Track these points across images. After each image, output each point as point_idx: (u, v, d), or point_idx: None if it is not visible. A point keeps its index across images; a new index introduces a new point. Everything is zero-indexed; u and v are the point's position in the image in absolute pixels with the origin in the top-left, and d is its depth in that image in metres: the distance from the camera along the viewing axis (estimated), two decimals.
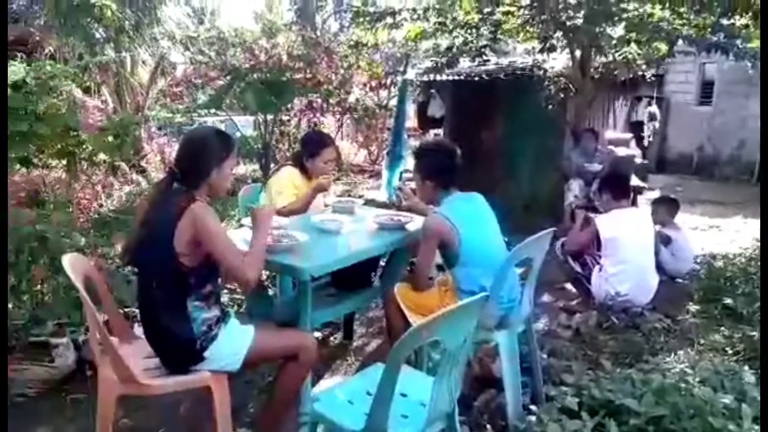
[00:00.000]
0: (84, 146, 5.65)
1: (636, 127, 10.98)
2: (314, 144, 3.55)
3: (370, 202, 8.41)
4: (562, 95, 6.63)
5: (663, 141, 12.41)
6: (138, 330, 3.18)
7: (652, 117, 9.28)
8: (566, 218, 6.28)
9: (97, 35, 9.91)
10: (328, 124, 10.53)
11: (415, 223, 2.99)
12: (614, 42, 5.78)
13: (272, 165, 7.92)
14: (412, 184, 3.12)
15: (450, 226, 2.55)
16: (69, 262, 2.16)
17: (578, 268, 4.10)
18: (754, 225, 6.89)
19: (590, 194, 6.39)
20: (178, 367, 2.19)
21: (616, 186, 4.07)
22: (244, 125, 10.26)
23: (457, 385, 1.93)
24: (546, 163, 7.47)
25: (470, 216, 2.63)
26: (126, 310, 3.39)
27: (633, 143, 9.63)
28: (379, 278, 3.28)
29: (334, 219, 2.99)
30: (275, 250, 2.45)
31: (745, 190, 9.77)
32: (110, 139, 5.78)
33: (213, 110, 8.62)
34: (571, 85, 6.91)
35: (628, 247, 3.85)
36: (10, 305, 3.20)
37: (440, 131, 9.34)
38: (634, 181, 7.64)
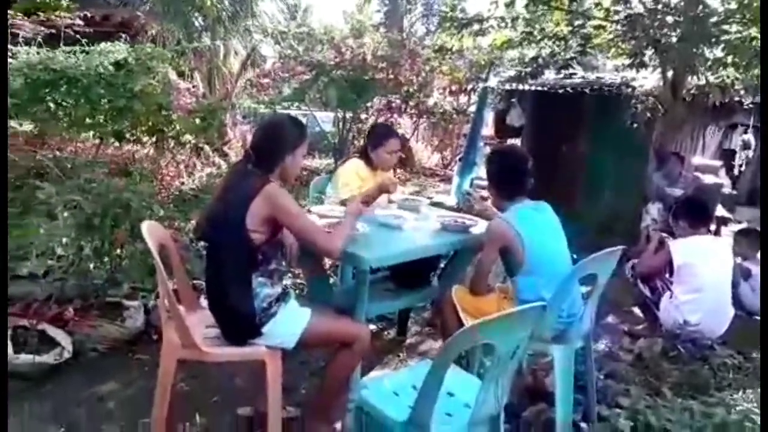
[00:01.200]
0: (173, 126, 5.95)
1: (728, 156, 10.41)
2: (378, 134, 3.61)
3: (437, 205, 8.43)
4: (649, 115, 6.37)
5: (756, 172, 11.69)
6: (203, 301, 3.36)
7: (746, 145, 8.76)
8: (642, 241, 6.04)
9: (196, 24, 10.44)
10: (405, 125, 10.60)
11: (480, 227, 2.97)
12: (710, 64, 5.50)
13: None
14: (484, 192, 3.12)
15: (514, 232, 2.52)
16: (147, 228, 2.30)
17: (647, 292, 3.94)
18: None
19: (669, 219, 6.13)
20: (237, 338, 2.28)
21: (695, 213, 3.89)
22: (324, 121, 10.50)
23: (505, 391, 1.91)
24: (627, 184, 7.23)
25: (537, 225, 2.60)
26: (194, 282, 3.55)
27: (722, 172, 9.13)
28: (437, 278, 3.28)
29: (398, 215, 3.02)
30: None
31: None
32: (197, 121, 6.06)
33: (296, 103, 8.89)
34: (660, 106, 6.64)
35: (703, 276, 3.66)
36: (90, 265, 3.42)
37: (518, 141, 9.22)
38: (720, 211, 7.27)
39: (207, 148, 8.28)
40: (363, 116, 8.80)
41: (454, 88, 9.36)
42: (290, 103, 8.86)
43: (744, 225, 7.09)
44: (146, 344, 3.27)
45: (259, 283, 2.25)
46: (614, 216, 6.93)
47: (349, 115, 7.91)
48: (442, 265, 3.42)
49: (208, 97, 9.49)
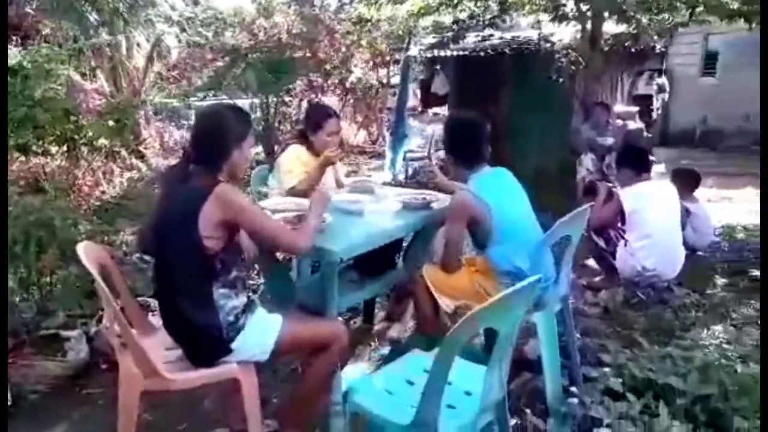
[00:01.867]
0: (84, 131, 5.48)
1: (639, 101, 10.82)
2: (316, 116, 3.42)
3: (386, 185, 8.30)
4: (573, 68, 6.44)
5: (665, 114, 12.25)
6: (154, 319, 3.08)
7: (661, 89, 9.09)
8: (578, 193, 6.15)
9: (91, 19, 9.68)
10: (330, 104, 10.33)
11: (440, 201, 2.85)
12: (633, 7, 5.54)
13: (276, 147, 7.77)
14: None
15: (480, 202, 2.41)
16: (84, 250, 2.02)
17: (602, 244, 3.97)
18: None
19: (603, 168, 6.26)
20: (204, 359, 2.06)
21: (637, 160, 3.93)
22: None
23: (506, 373, 1.81)
24: (554, 138, 7.33)
25: (501, 191, 2.50)
26: (138, 299, 3.26)
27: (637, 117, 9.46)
28: (402, 260, 3.15)
29: (355, 199, 2.84)
30: None
31: (753, 161, 9.59)
32: (111, 123, 5.61)
33: (212, 93, 8.45)
34: (580, 59, 6.73)
35: (653, 221, 3.72)
36: (16, 298, 3.06)
37: (444, 108, 9.18)
38: None
39: (123, 151, 7.76)
40: (286, 99, 8.47)
41: (376, 61, 9.15)
42: (206, 93, 8.43)
43: (663, 167, 7.35)
44: (95, 375, 2.96)
45: (221, 295, 2.03)
46: (546, 171, 6.98)
47: (271, 99, 7.57)
48: (404, 244, 3.29)
49: (116, 96, 8.87)
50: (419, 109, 10.08)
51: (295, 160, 3.32)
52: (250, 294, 2.18)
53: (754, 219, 5.69)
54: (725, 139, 11.64)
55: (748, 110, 11.36)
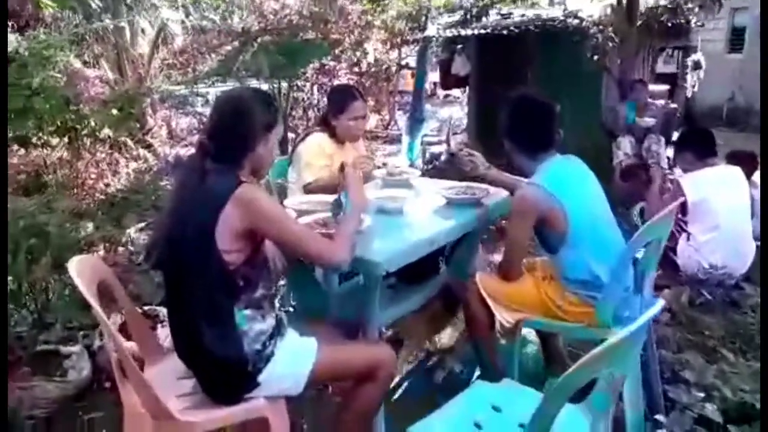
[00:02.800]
0: (86, 121, 5.11)
1: (663, 79, 10.31)
2: (338, 99, 3.03)
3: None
4: (611, 44, 5.97)
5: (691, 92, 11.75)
6: (163, 333, 2.72)
7: (696, 66, 8.57)
8: (616, 178, 5.73)
9: (93, 5, 9.29)
10: None
11: (492, 196, 2.46)
12: None
13: (291, 135, 7.38)
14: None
15: (551, 198, 2.02)
16: (77, 268, 1.64)
17: None
18: None
19: (642, 151, 5.82)
20: (225, 395, 1.70)
21: (702, 142, 3.50)
22: None
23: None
24: (586, 120, 6.87)
25: (575, 185, 2.10)
26: (146, 308, 2.90)
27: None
28: (445, 264, 2.75)
29: (394, 195, 2.46)
30: None
31: None
32: (114, 112, 5.23)
33: (221, 79, 8.05)
34: (614, 35, 6.25)
35: (721, 211, 3.31)
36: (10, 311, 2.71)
37: (465, 90, 8.74)
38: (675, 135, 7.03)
39: (128, 141, 7.39)
40: (299, 83, 8.06)
41: (394, 41, 8.70)
42: (214, 79, 8.02)
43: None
44: (97, 397, 2.61)
45: (245, 317, 1.66)
46: (579, 156, 6.53)
47: (284, 84, 7.16)
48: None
49: (120, 84, 8.50)
50: (429, 91, 9.65)
51: (316, 151, 2.94)
52: (279, 313, 1.81)
53: None
54: (754, 117, 11.12)
55: None
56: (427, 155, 8.72)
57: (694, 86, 8.38)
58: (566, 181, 2.06)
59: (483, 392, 1.68)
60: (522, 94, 2.24)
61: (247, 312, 1.66)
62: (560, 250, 2.07)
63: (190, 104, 10.25)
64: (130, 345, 2.39)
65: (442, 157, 8.67)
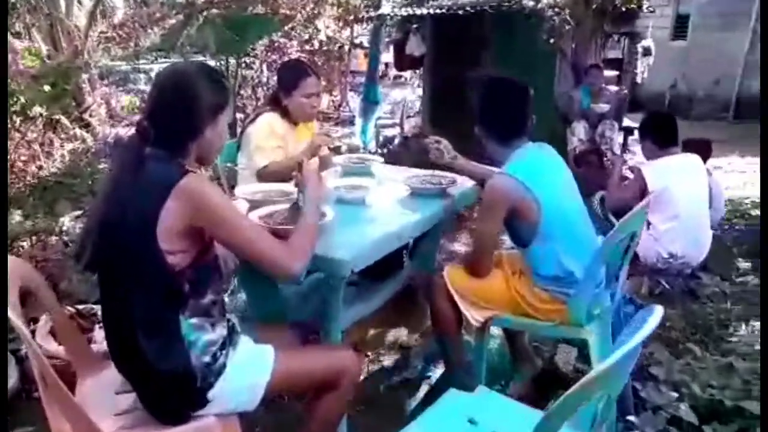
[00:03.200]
0: (15, 97, 4.70)
1: (610, 64, 10.43)
2: (290, 76, 2.82)
3: (344, 152, 7.69)
4: (565, 28, 5.92)
5: (632, 79, 11.94)
6: (100, 334, 2.48)
7: (646, 52, 8.67)
8: (571, 163, 5.71)
9: None
10: None
11: (459, 186, 2.33)
12: None
13: (239, 115, 7.06)
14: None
15: (524, 189, 1.89)
16: None
17: None
18: (755, 164, 6.45)
19: (596, 137, 5.83)
20: (170, 414, 1.51)
21: (664, 130, 3.47)
22: None
23: None
24: (540, 104, 6.79)
25: (548, 174, 1.99)
26: (81, 307, 2.65)
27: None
28: (409, 257, 2.62)
29: (355, 184, 2.29)
30: None
31: (726, 129, 9.35)
32: (47, 88, 4.83)
33: (164, 54, 7.63)
34: (569, 18, 6.22)
35: (681, 200, 3.28)
36: None
37: (417, 71, 8.59)
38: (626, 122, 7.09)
39: (64, 119, 6.91)
40: (248, 60, 7.72)
41: (348, 19, 8.42)
42: (157, 54, 7.61)
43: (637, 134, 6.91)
44: (26, 408, 2.36)
45: (191, 327, 1.47)
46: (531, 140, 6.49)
47: (232, 61, 6.82)
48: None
49: (54, 57, 7.93)
50: (380, 72, 9.43)
51: (267, 132, 2.74)
52: (230, 319, 1.62)
53: (753, 191, 5.38)
54: (695, 106, 11.42)
55: (718, 75, 11.15)
56: (381, 138, 8.58)
57: (643, 72, 8.47)
58: (539, 171, 1.95)
59: (457, 403, 1.55)
60: (495, 76, 2.10)
61: (194, 321, 1.47)
62: (531, 244, 1.96)
63: (131, 81, 9.74)
64: (58, 350, 2.17)
65: (396, 141, 8.55)
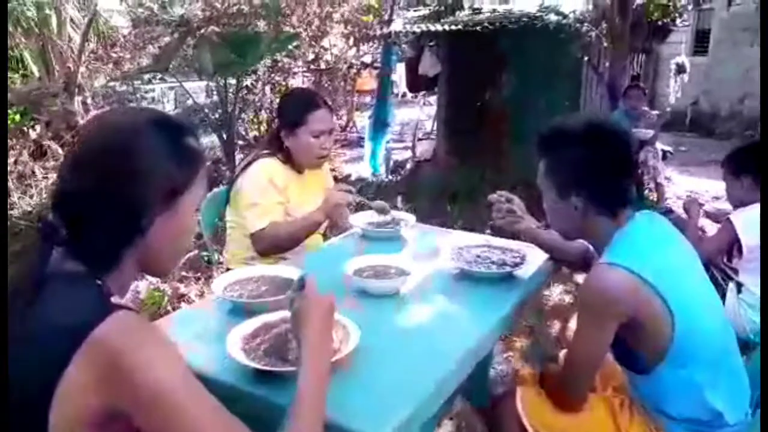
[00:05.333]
0: None
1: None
2: (294, 108, 2.19)
3: (353, 180, 7.09)
4: (601, 45, 5.33)
5: (652, 96, 11.35)
6: None
7: (680, 69, 8.09)
8: None
9: None
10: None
11: (530, 263, 1.69)
12: None
13: (237, 141, 6.49)
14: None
15: (648, 291, 1.26)
16: None
17: None
18: None
19: (639, 166, 5.19)
20: None
21: (759, 164, 2.77)
22: (196, 92, 8.70)
23: None
24: None
25: (674, 264, 1.34)
26: None
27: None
28: None
29: (382, 265, 1.65)
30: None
31: None
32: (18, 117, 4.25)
33: (159, 75, 7.09)
34: (602, 33, 5.62)
35: None
36: None
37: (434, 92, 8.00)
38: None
39: (53, 145, 6.35)
40: (249, 83, 7.16)
41: (356, 36, 7.86)
42: (151, 76, 7.05)
43: None
44: None
45: None
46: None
47: (231, 81, 6.25)
48: None
49: (45, 81, 7.40)
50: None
51: (264, 185, 2.09)
52: None
53: None
54: (719, 124, 10.82)
55: (743, 92, 10.58)
56: (392, 164, 8.01)
57: (677, 91, 7.88)
58: (663, 259, 1.31)
59: None
60: (596, 122, 1.45)
61: None
62: (655, 369, 1.31)
63: (128, 102, 9.23)
64: None
65: (408, 166, 7.96)
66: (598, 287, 1.29)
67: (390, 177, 7.65)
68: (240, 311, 1.42)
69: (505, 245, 1.79)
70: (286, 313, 1.29)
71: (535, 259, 1.73)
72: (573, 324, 3.26)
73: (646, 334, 1.29)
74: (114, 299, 0.86)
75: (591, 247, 1.60)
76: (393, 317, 1.44)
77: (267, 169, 2.13)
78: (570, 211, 1.41)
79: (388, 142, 8.10)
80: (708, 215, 2.99)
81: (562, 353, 1.73)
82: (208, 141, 8.97)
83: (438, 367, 1.21)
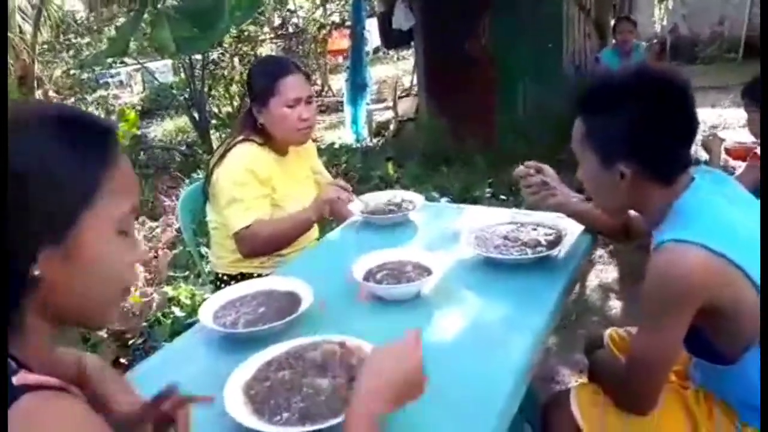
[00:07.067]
0: None
1: None
2: (262, 77, 1.91)
3: (337, 148, 6.79)
4: None
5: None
6: None
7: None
8: None
9: None
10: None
11: (568, 239, 1.45)
12: None
13: (209, 119, 6.14)
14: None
15: (728, 268, 1.04)
16: None
17: None
18: None
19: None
20: None
21: None
22: (162, 71, 8.29)
23: None
24: (556, 75, 5.92)
25: (750, 227, 1.11)
26: None
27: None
28: None
29: (395, 261, 1.41)
30: None
31: (736, 71, 8.40)
32: None
33: (119, 58, 6.68)
34: None
35: None
36: None
37: (410, 47, 7.65)
38: None
39: None
40: (216, 56, 6.76)
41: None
42: (113, 60, 6.64)
43: None
44: None
45: None
46: (553, 121, 5.48)
47: (197, 58, 5.87)
48: None
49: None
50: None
51: (243, 177, 1.81)
52: None
53: None
54: (701, 48, 10.54)
55: (720, 13, 10.30)
56: (374, 125, 7.71)
57: (662, 19, 7.58)
58: (738, 228, 1.08)
59: None
60: (650, 73, 1.18)
61: None
62: (744, 357, 1.09)
63: (89, 91, 8.80)
64: None
65: (391, 127, 7.66)
66: (673, 272, 1.05)
67: (375, 140, 7.37)
68: (235, 341, 1.19)
69: (534, 220, 1.55)
70: (295, 344, 1.06)
71: (572, 232, 1.50)
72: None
73: (728, 319, 1.07)
74: (21, 377, 0.60)
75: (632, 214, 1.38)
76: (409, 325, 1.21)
77: (245, 159, 1.84)
78: (615, 181, 1.16)
79: (368, 104, 7.79)
80: (728, 152, 2.76)
81: (607, 333, 1.52)
82: (178, 123, 8.62)
83: (491, 396, 0.98)
